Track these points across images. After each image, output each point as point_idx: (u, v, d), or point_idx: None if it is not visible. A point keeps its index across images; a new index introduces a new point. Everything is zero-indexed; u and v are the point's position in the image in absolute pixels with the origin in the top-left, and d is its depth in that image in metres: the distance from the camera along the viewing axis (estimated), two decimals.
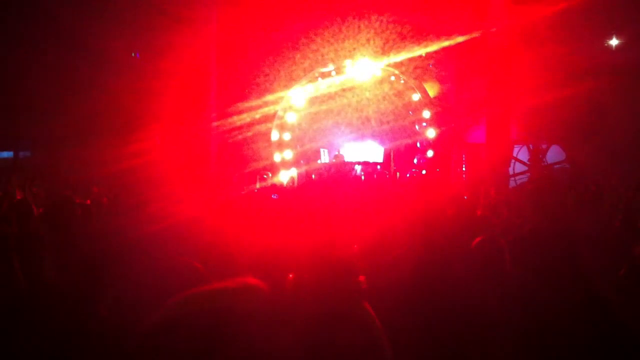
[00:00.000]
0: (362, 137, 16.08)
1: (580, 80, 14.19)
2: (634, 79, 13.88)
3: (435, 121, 14.56)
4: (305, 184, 13.93)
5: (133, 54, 15.39)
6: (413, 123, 15.47)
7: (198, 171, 13.63)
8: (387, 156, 14.04)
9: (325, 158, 15.08)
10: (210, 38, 14.06)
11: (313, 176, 14.38)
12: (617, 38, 14.11)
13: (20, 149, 16.87)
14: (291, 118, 16.03)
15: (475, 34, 13.88)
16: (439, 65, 15.18)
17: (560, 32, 14.32)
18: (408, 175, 13.87)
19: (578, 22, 14.08)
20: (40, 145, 16.13)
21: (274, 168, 15.56)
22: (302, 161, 15.62)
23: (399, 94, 15.65)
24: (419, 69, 14.93)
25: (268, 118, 15.85)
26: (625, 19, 14.19)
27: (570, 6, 14.57)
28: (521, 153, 12.82)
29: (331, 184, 12.48)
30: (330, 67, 15.62)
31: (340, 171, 13.67)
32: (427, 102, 14.71)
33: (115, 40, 15.00)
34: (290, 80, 15.81)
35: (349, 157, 14.69)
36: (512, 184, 13.44)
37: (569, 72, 14.38)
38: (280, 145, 15.92)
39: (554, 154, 15.16)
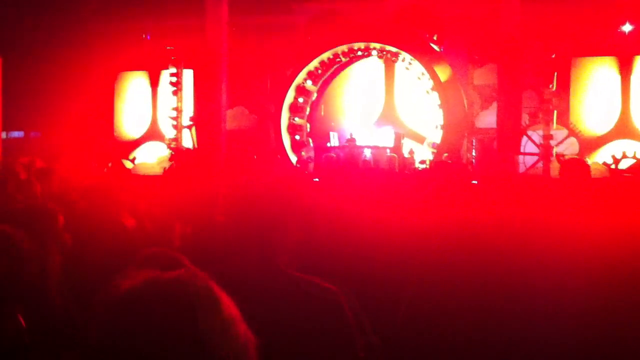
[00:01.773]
0: (372, 120, 16.07)
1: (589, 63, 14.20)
2: None
3: (446, 105, 14.52)
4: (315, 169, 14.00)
5: (144, 36, 15.36)
6: (424, 106, 15.44)
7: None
8: (397, 140, 14.03)
9: (335, 141, 15.08)
10: (222, 19, 13.96)
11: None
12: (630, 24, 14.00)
13: (30, 129, 16.95)
14: (301, 100, 16.01)
15: (487, 18, 13.79)
16: (450, 48, 15.09)
17: (571, 15, 14.24)
18: (419, 161, 13.87)
19: (589, 6, 13.96)
20: (50, 126, 16.19)
21: (283, 151, 15.61)
22: (311, 144, 15.64)
23: (410, 77, 15.60)
24: (429, 52, 14.85)
25: (278, 101, 15.85)
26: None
27: None
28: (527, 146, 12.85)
29: (341, 170, 12.52)
30: (341, 49, 15.51)
31: (350, 155, 13.69)
32: (438, 85, 14.64)
33: (126, 22, 14.99)
34: (300, 62, 15.75)
35: (359, 140, 14.66)
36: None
37: (579, 54, 14.38)
38: (290, 128, 15.93)
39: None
